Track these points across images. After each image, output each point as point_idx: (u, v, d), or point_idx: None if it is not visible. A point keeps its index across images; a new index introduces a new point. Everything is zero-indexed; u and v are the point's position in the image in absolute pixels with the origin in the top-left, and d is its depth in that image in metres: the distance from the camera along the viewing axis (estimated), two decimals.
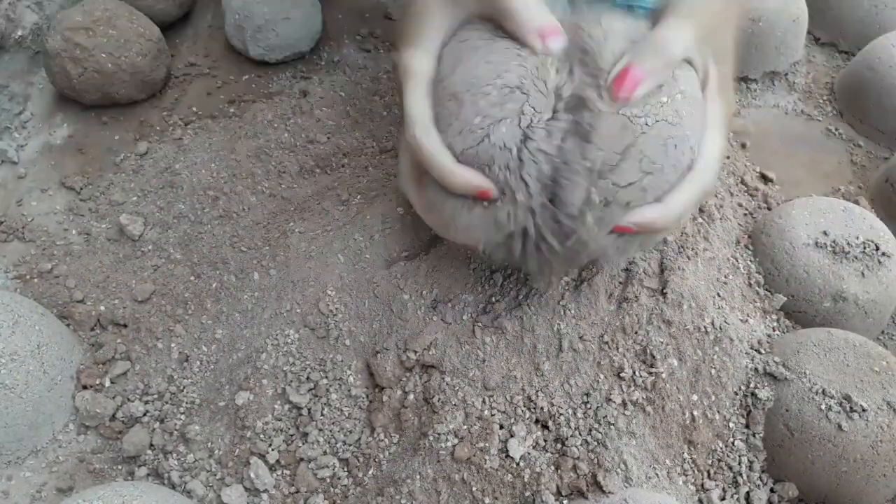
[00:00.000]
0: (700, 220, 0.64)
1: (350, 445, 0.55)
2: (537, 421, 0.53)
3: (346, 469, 0.54)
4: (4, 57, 0.78)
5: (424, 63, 0.48)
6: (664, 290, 0.57)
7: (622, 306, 0.56)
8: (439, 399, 0.53)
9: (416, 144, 0.47)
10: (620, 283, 0.57)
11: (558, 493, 0.51)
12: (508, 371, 0.54)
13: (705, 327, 0.57)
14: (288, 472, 0.54)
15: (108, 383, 0.58)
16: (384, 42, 0.88)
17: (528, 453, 0.52)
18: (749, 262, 0.65)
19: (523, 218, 0.45)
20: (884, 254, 0.63)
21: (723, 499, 0.54)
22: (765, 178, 0.77)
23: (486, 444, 0.51)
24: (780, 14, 0.83)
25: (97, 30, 0.73)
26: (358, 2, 0.92)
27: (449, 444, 0.52)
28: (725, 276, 0.62)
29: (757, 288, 0.64)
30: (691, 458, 0.55)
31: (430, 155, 0.46)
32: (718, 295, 0.59)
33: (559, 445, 0.52)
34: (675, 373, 0.55)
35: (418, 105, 0.48)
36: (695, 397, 0.55)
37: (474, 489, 0.51)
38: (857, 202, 0.75)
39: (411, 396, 0.54)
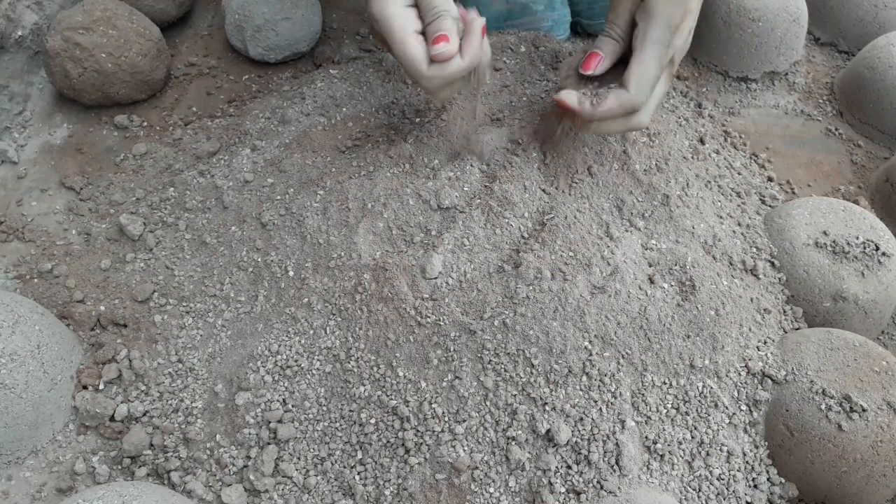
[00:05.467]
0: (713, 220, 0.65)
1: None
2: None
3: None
4: (4, 57, 0.78)
5: (399, 9, 0.55)
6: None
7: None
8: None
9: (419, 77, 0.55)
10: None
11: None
12: None
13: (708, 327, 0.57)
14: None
15: (107, 383, 0.58)
16: None
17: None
18: (755, 262, 0.64)
19: None
20: (884, 254, 0.63)
21: (722, 499, 0.54)
22: (765, 178, 0.77)
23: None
24: (780, 14, 0.83)
25: (97, 30, 0.73)
26: (357, 2, 0.92)
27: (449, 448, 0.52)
28: (730, 278, 0.62)
29: (763, 293, 0.63)
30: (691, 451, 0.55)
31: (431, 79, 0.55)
32: (723, 302, 0.59)
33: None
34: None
35: (410, 49, 0.55)
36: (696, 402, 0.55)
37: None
38: (857, 202, 0.75)
39: None
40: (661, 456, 0.54)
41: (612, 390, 0.54)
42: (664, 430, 0.54)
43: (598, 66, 0.59)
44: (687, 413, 0.55)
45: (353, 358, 0.55)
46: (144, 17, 0.78)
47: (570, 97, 0.58)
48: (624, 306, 0.56)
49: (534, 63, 0.75)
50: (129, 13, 0.76)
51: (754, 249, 0.65)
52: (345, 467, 0.54)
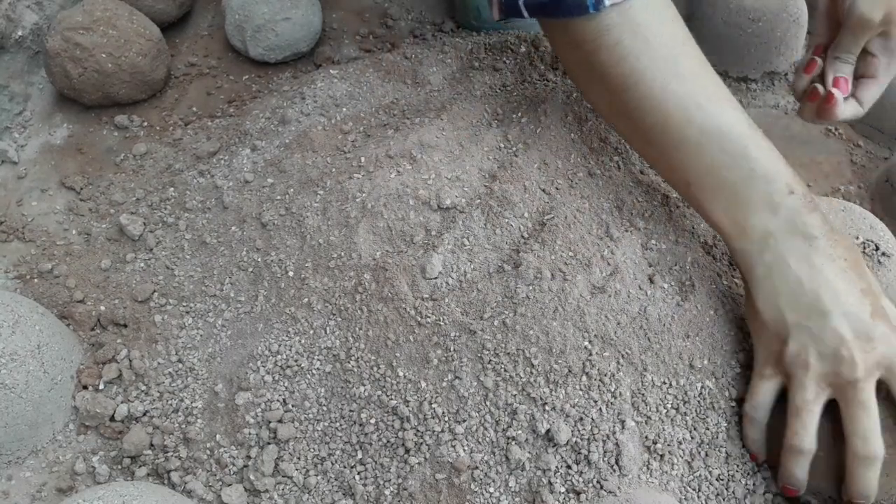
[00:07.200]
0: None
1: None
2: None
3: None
4: (4, 57, 0.78)
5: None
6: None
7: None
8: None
9: None
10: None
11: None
12: None
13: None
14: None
15: (107, 383, 0.58)
16: (384, 42, 0.88)
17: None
18: None
19: None
20: (884, 254, 0.63)
21: (722, 499, 0.54)
22: None
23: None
24: (780, 14, 0.83)
25: (97, 30, 0.73)
26: (358, 2, 0.92)
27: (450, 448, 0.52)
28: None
29: None
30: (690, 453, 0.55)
31: None
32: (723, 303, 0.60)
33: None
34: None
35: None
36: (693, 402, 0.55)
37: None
38: (857, 202, 0.75)
39: None
40: (661, 456, 0.54)
41: (612, 390, 0.54)
42: (664, 429, 0.54)
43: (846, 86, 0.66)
44: (686, 413, 0.55)
45: (353, 358, 0.55)
46: (144, 18, 0.78)
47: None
48: (624, 306, 0.56)
49: (534, 63, 0.75)
50: (129, 13, 0.76)
51: None
52: (345, 467, 0.54)
